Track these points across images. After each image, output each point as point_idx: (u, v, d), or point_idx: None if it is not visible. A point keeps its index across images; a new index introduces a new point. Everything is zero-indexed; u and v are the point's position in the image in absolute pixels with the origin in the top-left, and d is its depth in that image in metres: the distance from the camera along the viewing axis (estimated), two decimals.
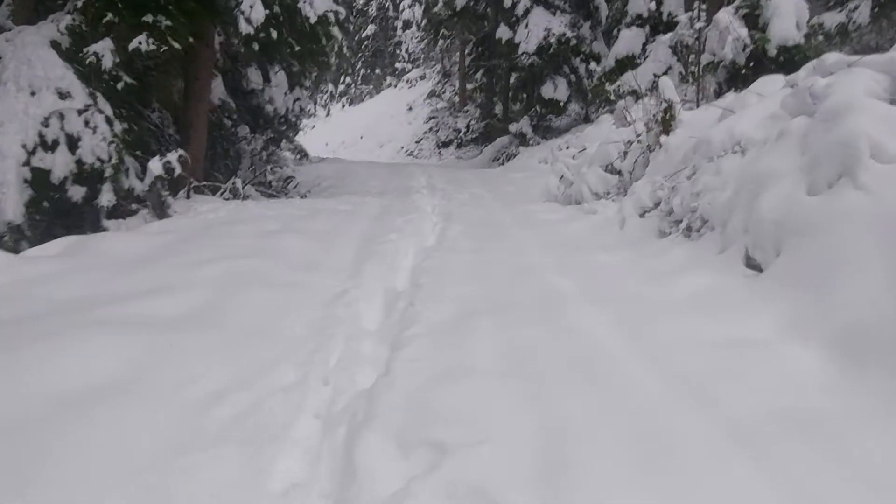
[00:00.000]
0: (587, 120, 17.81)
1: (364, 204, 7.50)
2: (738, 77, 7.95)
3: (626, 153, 7.68)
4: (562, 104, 16.13)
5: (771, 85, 6.18)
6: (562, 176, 8.42)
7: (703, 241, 4.83)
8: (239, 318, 3.14)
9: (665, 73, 13.42)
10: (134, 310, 3.15)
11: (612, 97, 14.68)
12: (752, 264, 4.23)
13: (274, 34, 7.48)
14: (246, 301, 3.38)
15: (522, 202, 8.38)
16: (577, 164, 8.30)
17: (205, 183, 8.00)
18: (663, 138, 6.75)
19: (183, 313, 3.09)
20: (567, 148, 14.51)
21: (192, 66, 7.95)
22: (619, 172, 7.54)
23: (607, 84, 13.82)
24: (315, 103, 52.14)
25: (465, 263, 4.57)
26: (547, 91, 15.79)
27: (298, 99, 20.39)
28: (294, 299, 3.48)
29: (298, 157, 10.96)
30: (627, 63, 13.64)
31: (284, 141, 11.70)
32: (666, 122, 6.86)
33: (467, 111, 30.31)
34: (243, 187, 8.10)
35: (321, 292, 3.64)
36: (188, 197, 7.12)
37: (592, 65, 15.41)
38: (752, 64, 7.79)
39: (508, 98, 21.89)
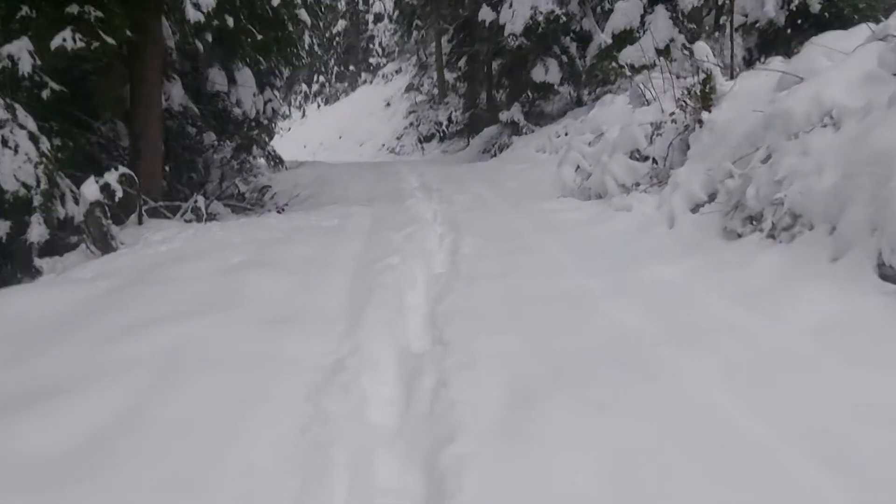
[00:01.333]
0: (580, 103, 16.67)
1: (351, 216, 6.31)
2: (775, 40, 6.85)
3: (654, 136, 6.55)
4: (555, 87, 14.96)
5: (839, 41, 5.07)
6: (578, 166, 7.28)
7: (801, 245, 3.71)
8: (161, 452, 1.91)
9: (667, 46, 12.33)
10: None
11: (613, 76, 13.57)
12: (890, 275, 3.12)
13: (230, 21, 6.27)
14: (181, 406, 2.18)
15: (534, 199, 7.24)
16: (594, 153, 7.16)
17: (162, 203, 6.78)
18: (705, 115, 5.62)
19: (71, 448, 1.88)
20: (565, 134, 13.38)
21: (136, 66, 6.71)
22: (649, 159, 6.41)
23: (606, 62, 12.69)
24: (289, 105, 50.95)
25: (495, 297, 3.42)
26: (538, 74, 14.62)
27: (270, 100, 19.07)
28: (259, 391, 2.31)
29: (273, 164, 9.75)
30: (626, 37, 12.51)
31: (257, 147, 10.44)
32: (706, 96, 5.74)
33: (448, 103, 29.15)
34: (208, 205, 6.89)
35: (302, 369, 2.48)
36: (140, 222, 5.90)
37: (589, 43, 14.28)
38: (790, 24, 6.69)
39: (492, 85, 20.72)
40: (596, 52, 14.45)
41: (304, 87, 47.76)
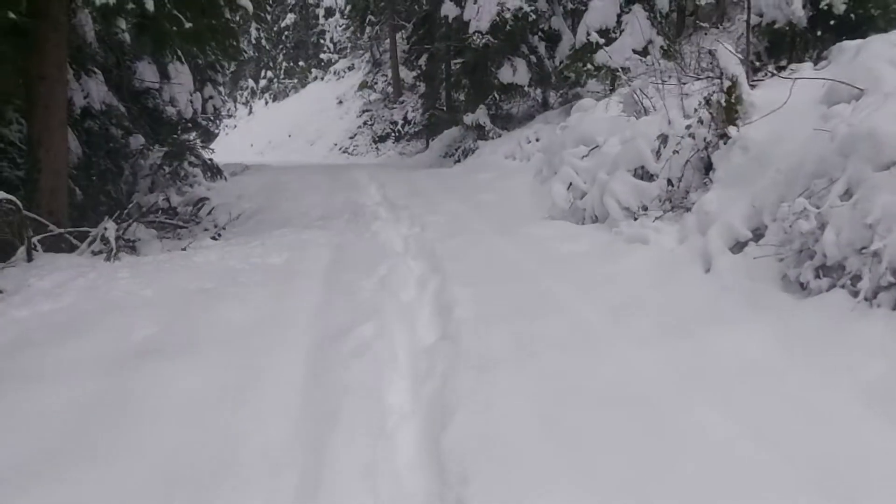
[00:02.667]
0: (546, 106, 15.80)
1: (305, 246, 5.15)
2: (792, 43, 6.01)
3: (661, 151, 5.61)
4: (524, 89, 14.01)
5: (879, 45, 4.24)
6: (570, 184, 6.30)
7: None
8: None
9: (645, 48, 11.52)
10: None
11: (585, 78, 12.71)
12: None
13: (149, 5, 5.03)
14: None
15: (519, 221, 6.22)
16: (590, 168, 6.19)
17: (69, 230, 5.47)
18: (732, 131, 4.70)
19: None
20: (536, 140, 12.45)
21: (34, 59, 5.39)
22: (658, 179, 5.46)
23: (580, 63, 11.80)
24: (235, 101, 48.92)
25: (524, 408, 2.37)
26: (505, 75, 13.65)
27: (211, 98, 17.59)
28: None
29: (209, 175, 8.48)
30: (601, 37, 11.62)
31: (191, 154, 9.09)
32: (730, 107, 4.81)
33: (403, 102, 28.05)
34: (123, 231, 5.60)
35: None
36: (29, 259, 4.59)
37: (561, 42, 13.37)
38: (813, 26, 5.86)
39: (451, 85, 19.69)
40: (568, 52, 13.58)
41: (251, 82, 45.87)
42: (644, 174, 5.69)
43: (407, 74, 26.94)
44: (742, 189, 4.25)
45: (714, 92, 5.03)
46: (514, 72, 13.82)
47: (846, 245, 3.15)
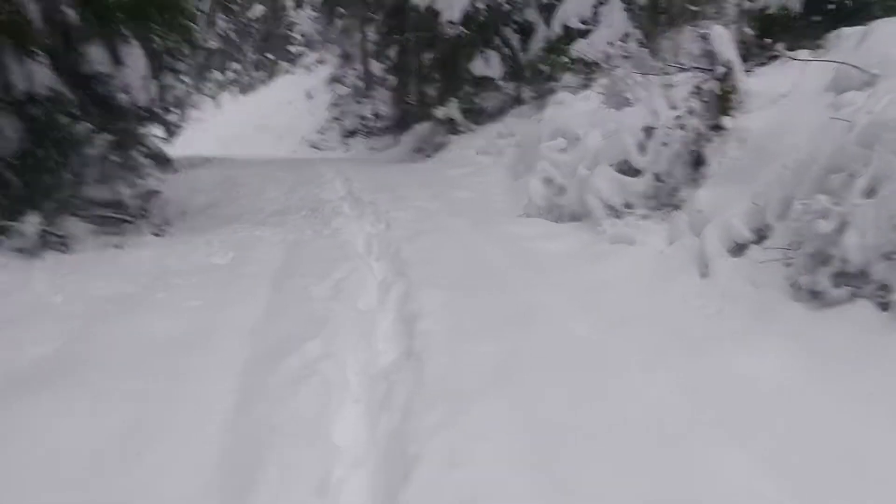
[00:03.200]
0: (519, 101, 15.37)
1: (256, 244, 4.60)
2: (783, 29, 5.66)
3: (646, 146, 5.20)
4: (497, 82, 13.55)
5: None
6: (548, 180, 5.85)
7: None
8: None
9: (622, 40, 11.15)
10: None
11: (560, 72, 12.30)
12: None
13: None
14: None
15: (494, 218, 5.77)
16: (569, 163, 5.75)
17: None
18: (727, 121, 4.30)
19: None
20: (510, 135, 12.01)
21: None
22: (644, 174, 5.05)
23: (555, 55, 11.38)
24: (201, 93, 47.66)
25: (511, 459, 1.89)
26: (477, 67, 13.18)
27: (172, 87, 16.81)
28: None
29: (158, 164, 7.84)
30: (576, 29, 11.24)
31: (140, 144, 8.41)
32: (725, 97, 4.41)
33: (374, 96, 27.44)
34: (50, 226, 4.98)
35: None
36: None
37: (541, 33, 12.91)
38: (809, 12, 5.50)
39: (423, 79, 19.15)
40: (542, 45, 13.17)
41: (218, 74, 44.67)
42: (628, 169, 5.27)
43: (377, 68, 26.33)
44: (740, 185, 3.84)
45: (706, 80, 4.62)
46: (487, 64, 13.36)
47: (871, 249, 2.74)
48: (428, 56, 17.85)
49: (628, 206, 5.02)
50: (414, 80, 19.60)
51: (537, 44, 13.79)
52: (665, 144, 4.62)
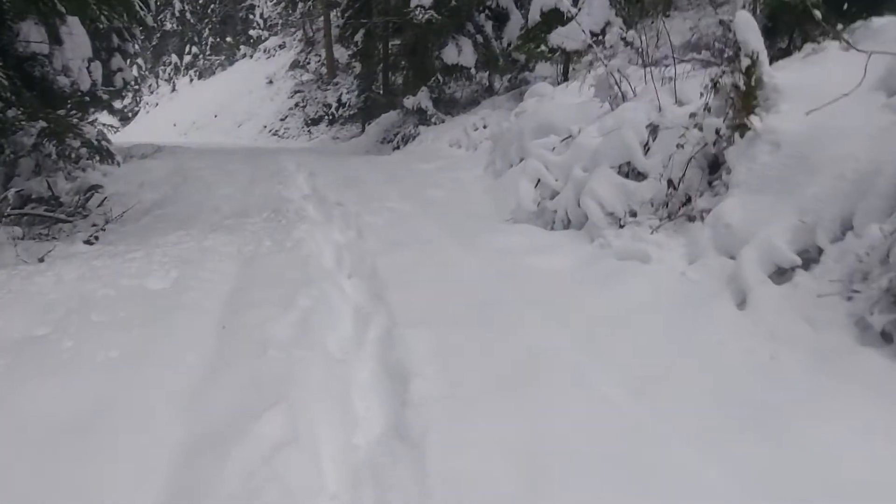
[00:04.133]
0: (491, 91, 14.76)
1: (203, 259, 3.87)
2: (797, 20, 5.15)
3: (651, 146, 4.64)
4: (470, 71, 12.89)
5: None
6: (538, 181, 5.25)
7: None
8: None
9: (603, 29, 10.62)
10: None
11: (535, 61, 11.74)
12: None
13: None
14: None
15: (477, 225, 5.15)
16: (562, 163, 5.16)
17: None
18: (754, 121, 3.75)
19: None
20: (484, 127, 11.39)
21: None
22: (649, 177, 4.48)
23: (532, 44, 10.78)
24: (157, 77, 45.89)
25: None
26: (449, 55, 12.50)
27: (120, 70, 15.68)
28: None
29: (94, 157, 6.97)
30: (556, 17, 10.66)
31: (73, 133, 7.50)
32: (750, 93, 3.86)
33: (338, 83, 26.59)
34: None
35: None
36: None
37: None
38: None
39: (389, 66, 18.39)
40: (518, 32, 12.56)
41: (175, 57, 42.95)
42: (631, 171, 4.71)
43: (342, 54, 25.47)
44: (777, 198, 3.29)
45: (725, 72, 4.06)
46: (460, 52, 12.70)
47: None
48: (396, 42, 17.10)
49: (632, 214, 4.45)
50: (381, 68, 18.82)
51: (512, 31, 13.18)
52: (681, 146, 4.05)
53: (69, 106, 8.92)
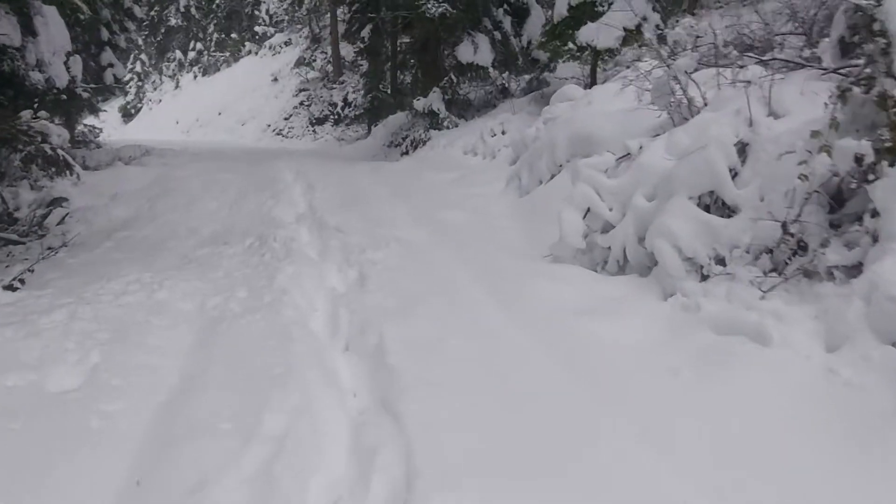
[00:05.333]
0: (506, 93, 13.69)
1: (145, 327, 2.81)
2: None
3: (740, 171, 3.57)
4: (488, 71, 11.81)
5: None
6: (587, 210, 4.18)
7: None
8: None
9: (638, 26, 9.54)
10: None
11: (566, 59, 10.66)
12: None
13: None
14: None
15: (510, 264, 4.09)
16: (620, 188, 4.09)
17: None
18: None
19: None
20: (502, 133, 10.32)
21: None
22: (741, 214, 3.41)
23: (559, 41, 9.71)
24: (160, 73, 45.14)
25: None
26: (465, 53, 11.44)
27: (111, 66, 14.67)
28: None
29: (48, 170, 5.94)
30: (584, 12, 9.58)
31: (31, 132, 6.43)
32: None
33: (344, 82, 25.60)
34: None
35: None
36: None
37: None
38: None
39: (397, 64, 17.35)
40: (541, 29, 11.51)
41: (179, 53, 42.09)
42: (713, 204, 3.64)
43: (348, 52, 24.48)
44: None
45: (861, 79, 2.99)
46: (476, 50, 11.63)
47: None
48: (405, 40, 16.06)
49: (720, 261, 3.39)
50: (388, 66, 17.79)
51: (533, 28, 12.12)
52: (805, 178, 2.96)
53: (35, 105, 7.90)
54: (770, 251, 3.20)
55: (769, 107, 3.84)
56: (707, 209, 3.64)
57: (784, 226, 3.05)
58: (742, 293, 3.03)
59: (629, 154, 4.30)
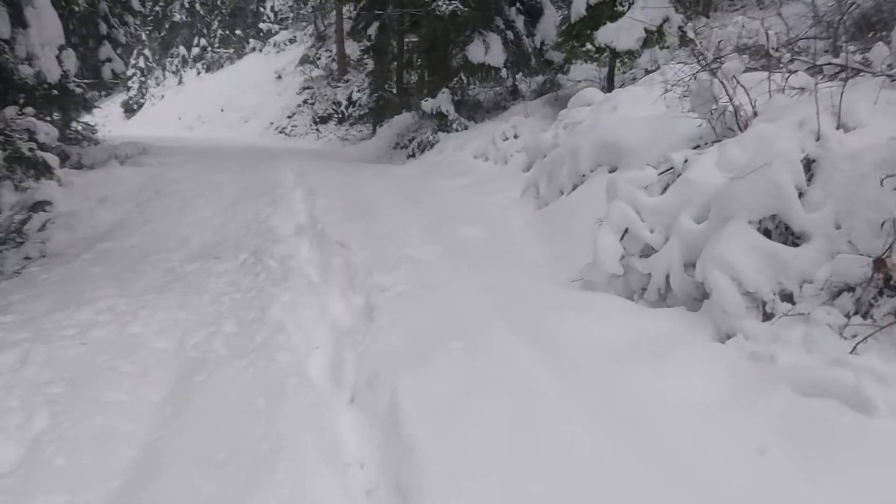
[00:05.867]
0: (516, 95, 13.19)
1: (110, 371, 2.35)
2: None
3: (807, 191, 3.08)
4: (500, 71, 11.31)
5: None
6: (625, 231, 3.69)
7: None
8: None
9: (660, 27, 9.06)
10: None
11: (583, 61, 10.17)
12: None
13: None
14: None
15: (538, 294, 3.61)
16: (660, 207, 3.60)
17: None
18: None
19: None
20: (515, 137, 9.82)
21: None
22: (809, 239, 2.93)
23: (576, 42, 9.22)
24: (164, 69, 44.79)
25: None
26: (475, 53, 10.94)
27: (109, 60, 14.19)
28: None
29: (31, 172, 5.46)
30: (604, 11, 9.09)
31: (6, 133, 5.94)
32: None
33: (348, 80, 25.16)
34: None
35: None
36: None
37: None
38: None
39: (403, 64, 16.88)
40: (553, 29, 11.03)
41: (183, 49, 41.70)
42: (776, 229, 3.15)
43: (353, 50, 24.05)
44: None
45: None
46: (487, 50, 11.13)
47: None
48: (411, 40, 15.57)
49: (788, 297, 2.90)
50: (395, 65, 17.31)
51: (546, 28, 11.63)
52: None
53: (22, 100, 7.41)
54: (852, 289, 2.71)
55: (838, 118, 3.35)
56: (767, 234, 3.15)
57: (879, 262, 2.55)
58: (824, 341, 2.54)
59: (671, 168, 3.80)
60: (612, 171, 5.47)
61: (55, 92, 8.86)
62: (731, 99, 4.16)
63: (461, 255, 4.41)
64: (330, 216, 5.58)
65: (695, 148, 4.38)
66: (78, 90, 9.38)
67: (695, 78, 4.25)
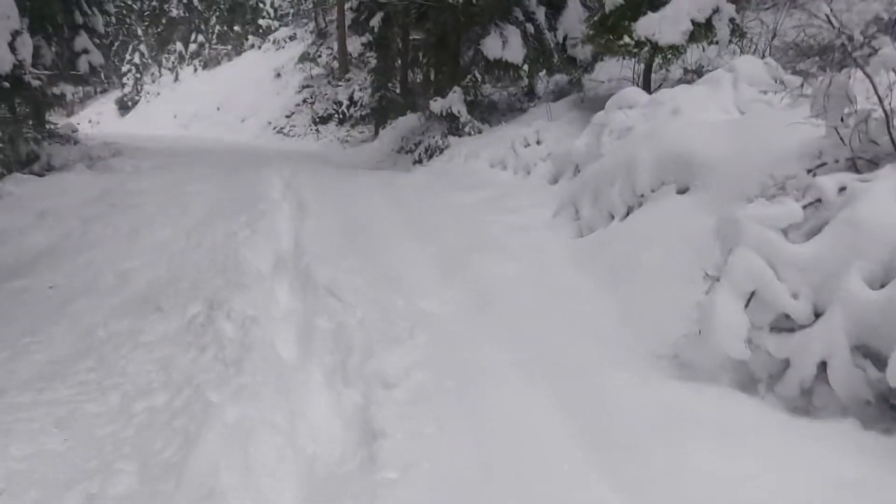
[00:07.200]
0: (532, 94, 11.98)
1: None
2: None
3: None
4: (520, 69, 10.07)
5: None
6: (752, 295, 2.45)
7: None
8: None
9: (708, 19, 7.85)
10: None
11: (606, 56, 8.95)
12: None
13: None
14: None
15: (615, 385, 2.36)
16: (809, 259, 2.36)
17: None
18: None
19: None
20: (537, 143, 8.61)
21: None
22: None
23: (613, 35, 7.99)
24: (160, 65, 43.75)
25: None
26: (492, 48, 9.72)
27: (86, 52, 12.99)
28: None
29: None
30: (644, 0, 7.87)
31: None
32: None
33: (350, 79, 23.97)
34: None
35: None
36: None
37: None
38: None
39: (408, 61, 15.71)
40: (577, 24, 9.82)
41: (180, 46, 40.65)
42: None
43: (355, 47, 22.88)
44: None
45: None
46: (505, 44, 9.92)
47: None
48: (417, 37, 14.38)
49: None
50: (399, 63, 16.11)
51: (569, 21, 10.41)
52: None
53: None
54: None
55: None
56: None
57: None
58: None
59: (819, 200, 2.57)
60: (681, 191, 4.27)
61: (6, 84, 7.65)
62: (881, 101, 2.94)
63: (494, 308, 3.18)
64: (320, 245, 4.34)
65: (819, 166, 3.17)
66: (36, 83, 8.19)
67: (827, 71, 3.03)
